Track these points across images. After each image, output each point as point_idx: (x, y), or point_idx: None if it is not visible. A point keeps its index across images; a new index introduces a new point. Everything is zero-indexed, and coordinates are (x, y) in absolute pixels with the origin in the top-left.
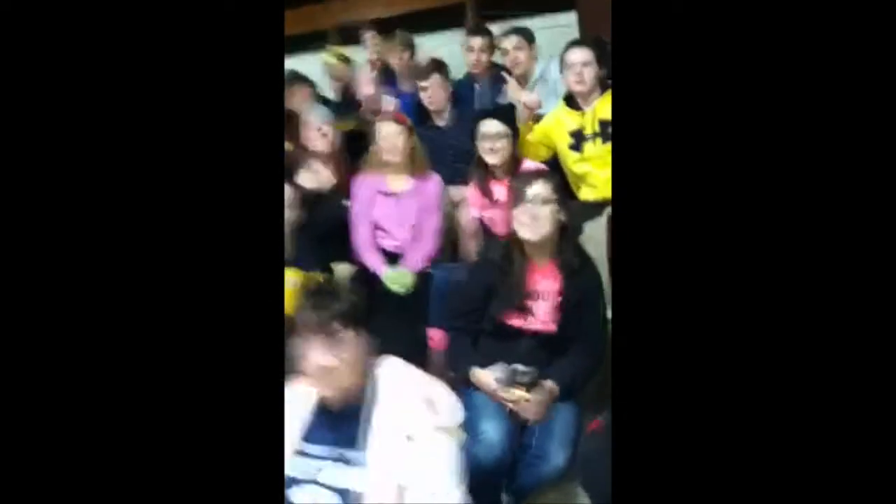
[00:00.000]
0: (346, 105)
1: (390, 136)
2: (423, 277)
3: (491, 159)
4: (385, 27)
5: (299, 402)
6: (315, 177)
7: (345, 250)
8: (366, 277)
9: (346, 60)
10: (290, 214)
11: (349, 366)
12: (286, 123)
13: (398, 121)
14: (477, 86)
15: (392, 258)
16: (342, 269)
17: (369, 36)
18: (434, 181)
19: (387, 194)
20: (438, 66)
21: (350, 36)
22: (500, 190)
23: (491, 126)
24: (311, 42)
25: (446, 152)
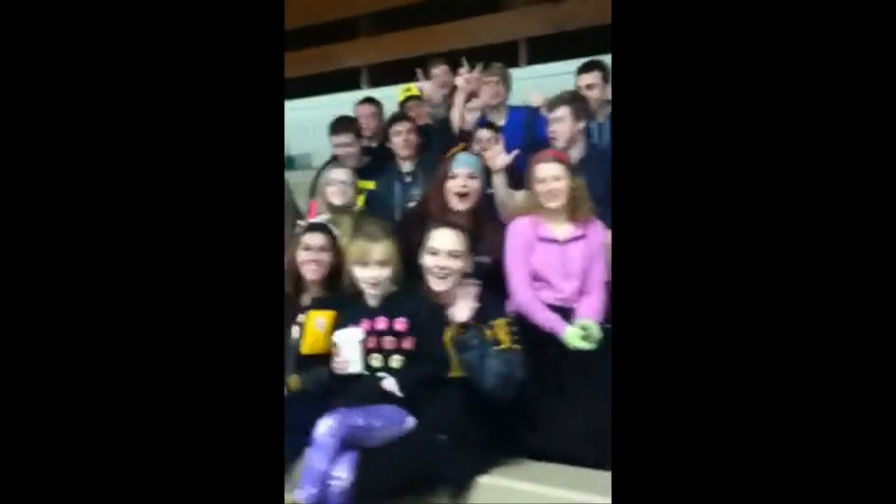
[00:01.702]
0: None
1: (550, 178)
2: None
3: None
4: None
5: None
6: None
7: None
8: (526, 333)
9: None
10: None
11: None
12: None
13: (558, 160)
14: (596, 122)
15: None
16: None
17: (441, 71)
18: (599, 226)
19: (548, 241)
20: (574, 97)
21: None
22: None
23: None
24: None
25: None
